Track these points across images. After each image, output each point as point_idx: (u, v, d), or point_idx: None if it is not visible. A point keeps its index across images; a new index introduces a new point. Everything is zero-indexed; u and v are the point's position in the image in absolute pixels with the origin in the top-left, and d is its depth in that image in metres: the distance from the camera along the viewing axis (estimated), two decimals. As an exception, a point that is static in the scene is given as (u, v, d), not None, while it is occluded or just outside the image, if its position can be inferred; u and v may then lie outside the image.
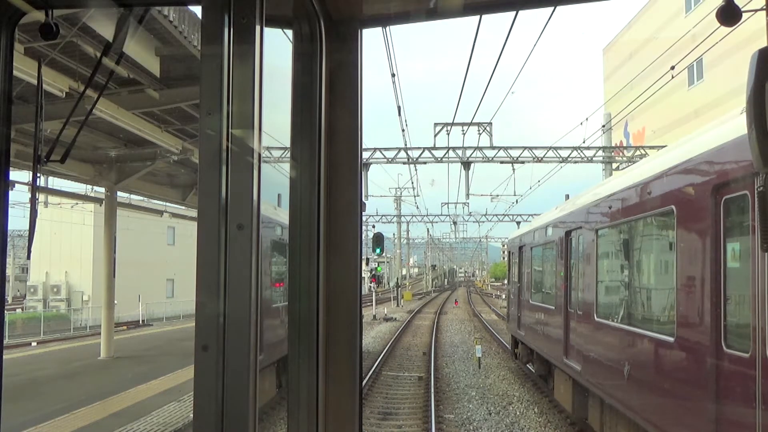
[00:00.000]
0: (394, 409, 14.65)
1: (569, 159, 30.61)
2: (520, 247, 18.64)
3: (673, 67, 15.49)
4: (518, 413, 14.23)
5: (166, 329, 31.58)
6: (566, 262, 12.17)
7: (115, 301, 37.26)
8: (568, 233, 12.08)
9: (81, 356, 18.08)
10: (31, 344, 24.73)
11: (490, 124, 30.89)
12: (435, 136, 30.91)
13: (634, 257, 8.53)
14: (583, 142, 28.82)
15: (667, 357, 6.94)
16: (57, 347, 22.83)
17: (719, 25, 2.11)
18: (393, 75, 14.06)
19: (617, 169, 29.87)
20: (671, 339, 6.72)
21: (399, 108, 18.37)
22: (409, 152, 30.70)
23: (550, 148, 30.80)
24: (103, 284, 18.89)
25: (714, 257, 5.85)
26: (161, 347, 22.55)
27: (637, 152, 30.86)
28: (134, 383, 13.55)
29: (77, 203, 34.31)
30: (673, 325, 6.67)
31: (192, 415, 1.87)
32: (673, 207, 6.77)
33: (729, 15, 1.98)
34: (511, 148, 31.18)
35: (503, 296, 67.01)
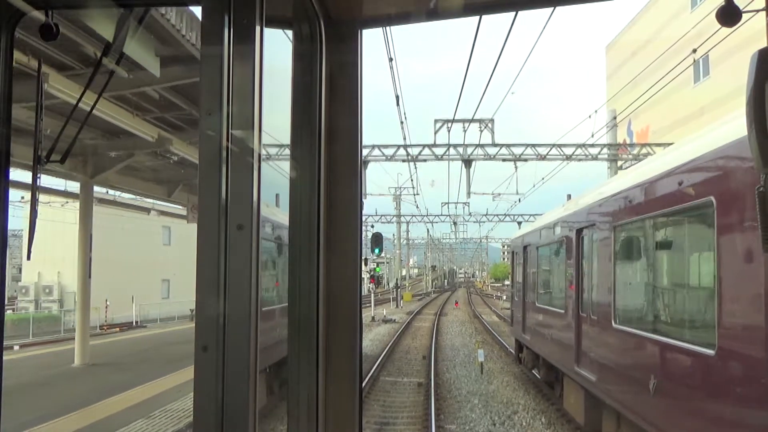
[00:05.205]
0: (392, 419, 13.90)
1: (573, 156, 29.85)
2: (525, 247, 17.79)
3: (695, 50, 14.59)
4: (525, 423, 13.41)
5: (156, 332, 30.68)
6: (577, 263, 11.29)
7: (109, 303, 36.82)
8: (579, 231, 11.20)
9: (56, 363, 16.95)
10: (13, 348, 23.80)
11: (492, 120, 30.17)
12: (435, 133, 30.14)
13: (661, 257, 7.64)
14: (592, 136, 28.07)
15: (707, 372, 6.04)
16: (38, 351, 21.80)
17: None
18: (390, 59, 13.19)
19: (621, 168, 29.15)
20: (711, 352, 5.83)
21: (397, 98, 17.49)
22: (409, 149, 29.89)
23: (554, 145, 30.04)
24: (79, 286, 18.05)
25: (766, 256, 4.97)
26: (144, 352, 21.51)
27: (643, 150, 30.17)
28: (104, 395, 12.30)
29: (67, 201, 33.59)
30: (714, 336, 5.79)
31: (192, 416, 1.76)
32: (712, 198, 5.90)
33: (729, 15, 1.95)
34: (513, 145, 30.44)
35: (504, 297, 66.55)
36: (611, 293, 9.09)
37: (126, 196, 27.87)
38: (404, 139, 26.24)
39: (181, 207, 22.52)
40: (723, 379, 5.74)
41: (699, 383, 6.25)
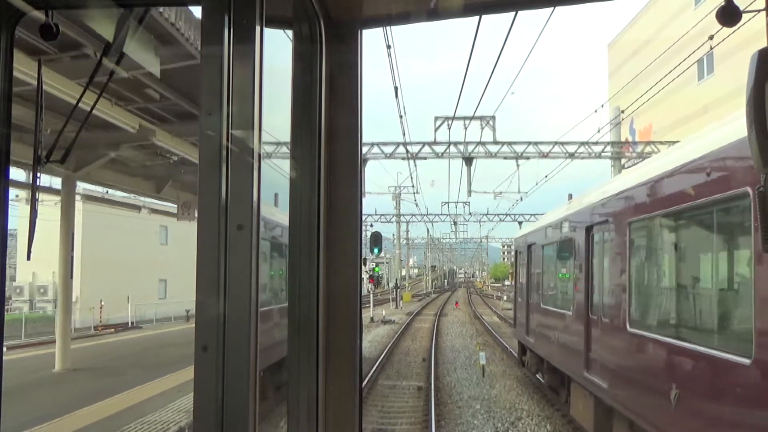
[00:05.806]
0: (390, 425, 13.32)
1: (576, 154, 29.30)
2: (529, 246, 17.19)
3: (711, 37, 13.98)
4: (529, 430, 12.84)
5: (151, 333, 29.98)
6: (587, 262, 10.70)
7: (104, 303, 36.22)
8: (589, 228, 10.60)
9: (37, 367, 16.04)
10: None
11: (493, 117, 29.66)
12: (435, 130, 29.57)
13: (685, 255, 7.03)
14: (598, 131, 27.54)
15: (742, 382, 5.44)
16: (25, 354, 21.00)
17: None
18: (389, 47, 12.61)
19: (624, 166, 28.61)
20: (747, 360, 5.23)
21: (396, 89, 16.89)
22: (409, 147, 29.32)
23: (556, 143, 29.50)
24: (60, 286, 17.42)
25: None
26: (133, 356, 20.65)
27: (647, 148, 29.61)
28: (76, 405, 11.18)
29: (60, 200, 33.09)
30: (751, 343, 5.19)
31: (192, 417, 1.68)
32: (748, 189, 5.31)
33: (729, 15, 1.93)
34: (515, 143, 29.91)
35: (504, 297, 66.02)
36: (625, 294, 8.48)
37: (119, 195, 27.27)
38: (404, 135, 25.63)
39: (172, 204, 21.91)
40: (761, 390, 5.14)
41: (732, 394, 5.66)
